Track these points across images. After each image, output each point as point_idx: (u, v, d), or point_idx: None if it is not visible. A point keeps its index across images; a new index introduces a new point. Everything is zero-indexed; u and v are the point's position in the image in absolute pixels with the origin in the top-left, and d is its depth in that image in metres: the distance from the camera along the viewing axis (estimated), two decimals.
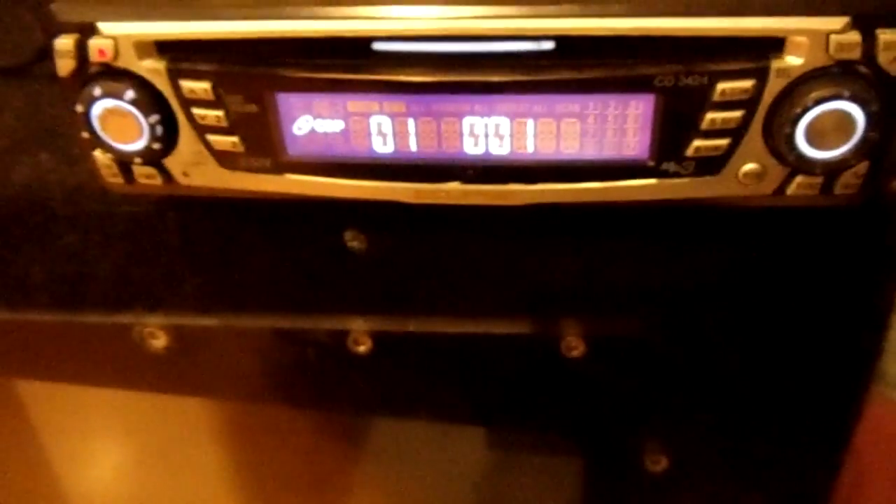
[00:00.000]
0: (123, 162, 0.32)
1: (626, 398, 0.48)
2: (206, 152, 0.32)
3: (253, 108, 0.31)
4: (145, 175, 0.33)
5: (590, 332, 0.43)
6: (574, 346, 0.44)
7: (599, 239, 0.40)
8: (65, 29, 0.30)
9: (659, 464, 0.49)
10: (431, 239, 0.41)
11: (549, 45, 0.29)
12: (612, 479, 0.53)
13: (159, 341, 0.46)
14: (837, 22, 0.27)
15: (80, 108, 0.30)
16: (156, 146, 0.31)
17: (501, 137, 0.31)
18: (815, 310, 0.41)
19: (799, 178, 0.31)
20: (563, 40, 0.29)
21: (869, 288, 0.40)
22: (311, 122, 0.31)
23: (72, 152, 0.39)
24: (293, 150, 0.32)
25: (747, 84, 0.28)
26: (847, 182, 0.30)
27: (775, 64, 0.28)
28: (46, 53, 0.30)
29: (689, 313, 0.42)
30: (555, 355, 0.44)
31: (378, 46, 0.30)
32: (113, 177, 0.33)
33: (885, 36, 0.27)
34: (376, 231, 0.41)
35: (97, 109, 0.30)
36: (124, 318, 0.45)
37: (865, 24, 0.27)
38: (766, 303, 0.41)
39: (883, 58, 0.28)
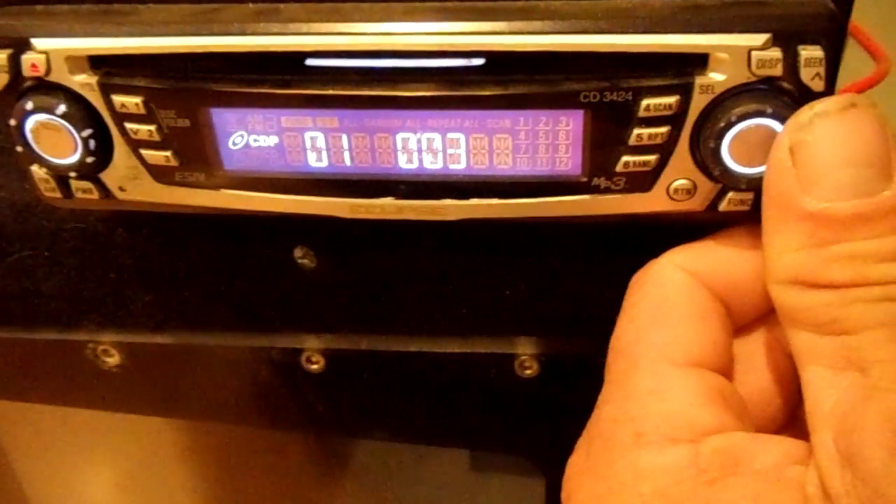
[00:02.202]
0: (60, 176, 0.33)
1: (585, 418, 0.47)
2: (140, 167, 0.32)
3: (186, 122, 0.31)
4: (82, 189, 0.33)
5: (542, 351, 0.43)
6: (528, 365, 0.44)
7: (554, 257, 0.40)
8: None
9: None
10: (382, 256, 0.41)
11: (479, 62, 0.30)
12: None
13: (113, 359, 0.46)
14: (758, 39, 0.28)
15: (13, 122, 0.31)
16: (90, 160, 0.31)
17: (435, 153, 0.31)
18: None
19: (730, 195, 0.31)
20: (492, 56, 0.29)
21: None
22: (246, 137, 0.32)
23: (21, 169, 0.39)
24: (229, 165, 0.32)
25: (671, 100, 0.28)
26: None
27: (699, 80, 0.28)
28: None
29: None
30: (510, 374, 0.44)
31: (311, 62, 0.30)
32: (51, 191, 0.33)
33: (806, 52, 0.28)
34: (326, 248, 0.41)
35: (30, 123, 0.31)
36: (76, 336, 0.45)
37: (787, 41, 0.28)
38: None
39: (805, 74, 0.28)
